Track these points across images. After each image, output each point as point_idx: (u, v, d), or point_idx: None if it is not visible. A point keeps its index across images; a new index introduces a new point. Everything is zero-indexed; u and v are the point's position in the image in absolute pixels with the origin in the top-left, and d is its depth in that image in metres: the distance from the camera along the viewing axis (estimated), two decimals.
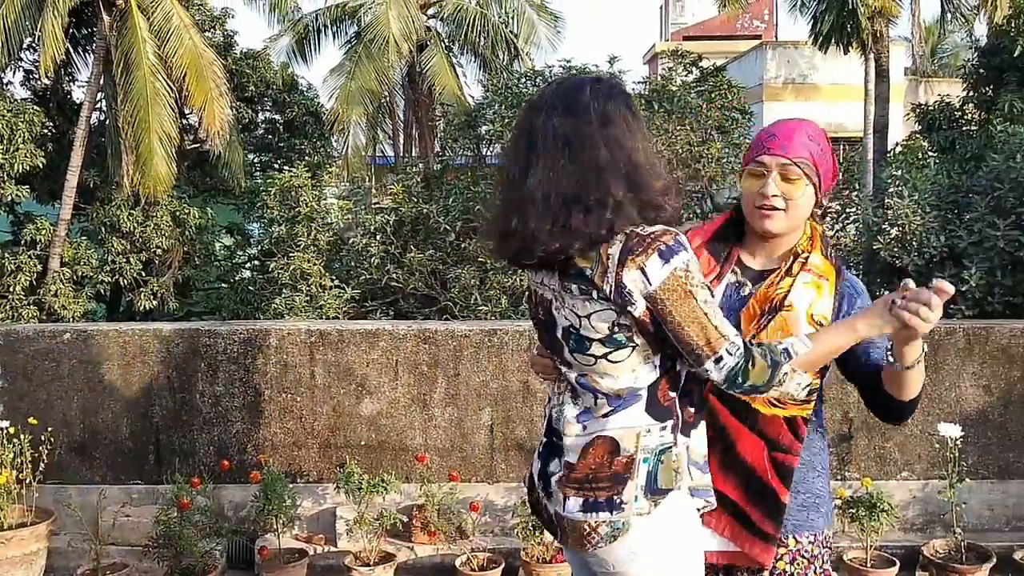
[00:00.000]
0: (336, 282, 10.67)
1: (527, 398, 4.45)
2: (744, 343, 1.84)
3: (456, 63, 18.70)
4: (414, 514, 4.30)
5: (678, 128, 11.94)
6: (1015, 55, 12.90)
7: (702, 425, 1.99)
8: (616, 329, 1.85)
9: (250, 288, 12.93)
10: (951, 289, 1.87)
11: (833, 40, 15.20)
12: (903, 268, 8.92)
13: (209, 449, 4.47)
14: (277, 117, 17.22)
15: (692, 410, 1.96)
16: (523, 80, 13.93)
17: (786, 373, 1.85)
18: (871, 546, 4.08)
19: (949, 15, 16.81)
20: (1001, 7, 14.38)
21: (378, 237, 11.17)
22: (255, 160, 17.23)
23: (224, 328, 4.49)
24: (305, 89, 17.92)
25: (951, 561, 4.06)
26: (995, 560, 4.04)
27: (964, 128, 14.05)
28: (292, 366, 4.44)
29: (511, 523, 4.35)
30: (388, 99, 18.79)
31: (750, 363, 1.82)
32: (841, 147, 17.93)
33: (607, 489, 1.90)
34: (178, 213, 13.48)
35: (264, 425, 4.45)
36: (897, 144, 14.52)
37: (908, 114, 15.77)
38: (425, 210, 12.37)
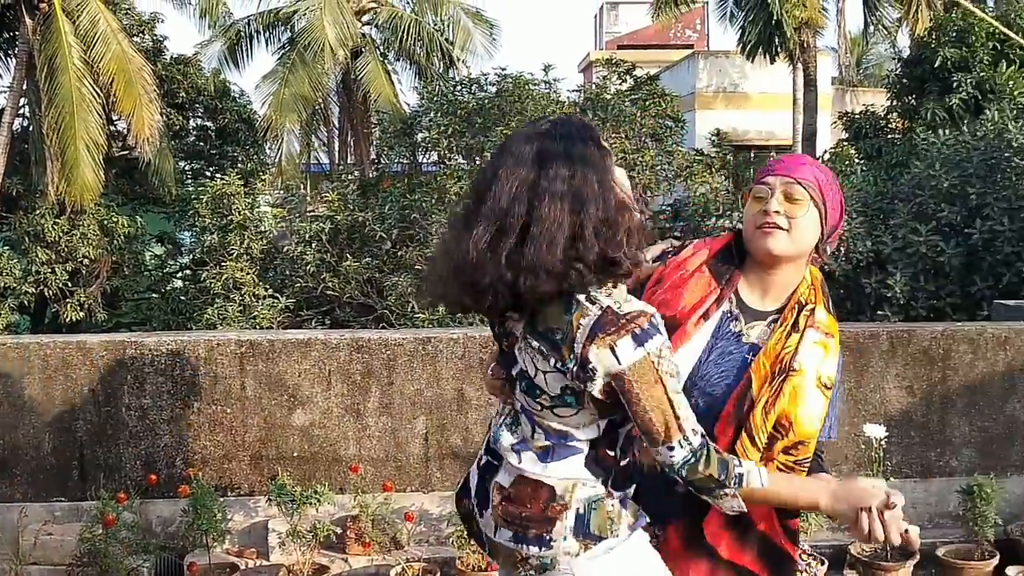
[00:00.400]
0: (270, 291, 10.53)
1: (462, 406, 4.44)
2: (705, 442, 1.82)
3: (391, 70, 18.64)
4: (348, 525, 4.25)
5: (612, 136, 12.05)
6: (936, 66, 13.31)
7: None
8: (567, 392, 1.84)
9: (182, 298, 12.67)
10: (916, 545, 1.87)
11: (761, 50, 15.54)
12: (831, 273, 9.14)
13: (136, 464, 4.36)
14: (209, 124, 16.95)
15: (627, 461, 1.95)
16: (459, 87, 13.93)
17: (727, 494, 1.83)
18: (801, 545, 4.16)
19: (872, 27, 17.31)
20: (922, 20, 14.85)
21: (313, 245, 11.05)
22: (186, 167, 16.92)
23: (151, 339, 4.40)
24: (237, 96, 17.66)
25: (877, 559, 4.15)
26: (919, 557, 4.15)
27: (889, 136, 14.47)
28: (222, 377, 4.36)
29: (446, 532, 4.33)
30: (323, 106, 18.65)
31: (700, 463, 1.80)
32: (772, 155, 18.31)
33: (537, 527, 1.91)
34: (106, 222, 13.16)
35: (193, 438, 4.36)
36: (825, 152, 14.88)
37: (835, 122, 16.18)
38: (361, 218, 12.27)
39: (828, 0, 16.79)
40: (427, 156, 14.43)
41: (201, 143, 16.88)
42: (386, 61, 18.58)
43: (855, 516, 1.81)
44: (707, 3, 21.51)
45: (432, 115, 13.23)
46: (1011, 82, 12.12)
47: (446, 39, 18.41)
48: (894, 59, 17.13)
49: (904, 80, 14.47)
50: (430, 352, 4.44)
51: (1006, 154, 8.52)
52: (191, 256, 14.51)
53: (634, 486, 1.97)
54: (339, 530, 4.22)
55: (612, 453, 1.92)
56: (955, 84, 12.98)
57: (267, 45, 18.96)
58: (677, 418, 1.80)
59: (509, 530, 1.93)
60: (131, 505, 4.04)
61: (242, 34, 18.70)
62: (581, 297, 1.79)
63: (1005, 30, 6.08)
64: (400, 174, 14.51)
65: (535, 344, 1.83)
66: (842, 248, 9.09)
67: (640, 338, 1.76)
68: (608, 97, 13.44)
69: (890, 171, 10.87)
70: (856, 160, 12.15)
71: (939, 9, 15.93)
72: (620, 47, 25.17)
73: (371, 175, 16.22)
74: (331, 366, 4.41)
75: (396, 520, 4.27)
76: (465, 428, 4.44)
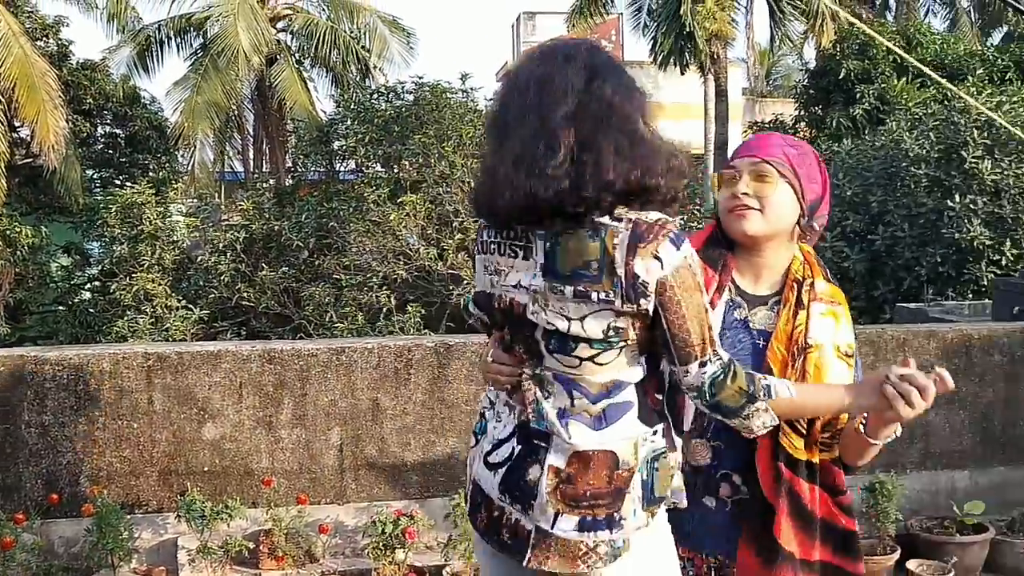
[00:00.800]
0: (183, 303, 10.29)
1: (377, 416, 4.41)
2: (731, 359, 1.76)
3: (307, 78, 18.44)
4: (261, 540, 4.18)
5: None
6: (840, 77, 13.79)
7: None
8: (611, 332, 1.71)
9: (90, 310, 12.29)
10: (951, 384, 1.77)
11: (672, 60, 15.86)
12: None
13: (36, 483, 4.21)
14: (118, 131, 16.49)
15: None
16: (376, 96, 13.86)
17: (757, 409, 1.75)
18: None
19: (779, 40, 17.83)
20: (827, 33, 15.35)
21: (228, 255, 10.85)
22: (94, 176, 16.43)
23: (53, 353, 4.25)
24: (148, 102, 17.21)
25: None
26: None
27: None
28: (128, 391, 4.24)
29: (362, 544, 4.29)
30: (237, 113, 18.34)
31: (728, 378, 1.73)
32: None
33: (607, 506, 1.73)
34: (8, 232, 12.67)
35: (98, 454, 4.23)
36: None
37: (746, 131, 16.61)
38: (277, 227, 12.10)
39: (738, 12, 17.22)
40: (344, 164, 14.32)
41: (110, 151, 16.41)
42: (302, 68, 18.37)
43: (880, 394, 1.77)
44: (622, 14, 21.86)
45: (349, 123, 13.15)
46: (905, 94, 12.63)
47: (363, 47, 18.29)
48: (801, 70, 17.67)
49: (811, 91, 14.95)
50: (344, 362, 4.40)
51: (904, 163, 8.86)
52: (100, 267, 14.08)
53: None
54: (252, 545, 4.15)
55: (660, 397, 1.80)
56: (858, 95, 13.47)
57: (179, 51, 18.55)
58: (710, 329, 1.72)
59: (574, 516, 1.73)
60: (31, 526, 3.90)
61: (152, 39, 18.26)
62: (605, 219, 1.68)
63: (896, 49, 6.36)
64: (317, 182, 14.37)
65: (566, 290, 1.69)
66: None
67: (676, 241, 1.68)
68: None
69: None
70: None
71: (843, 23, 16.50)
72: None
73: (287, 183, 15.99)
74: (242, 378, 4.34)
75: (310, 533, 4.22)
76: (380, 438, 4.41)
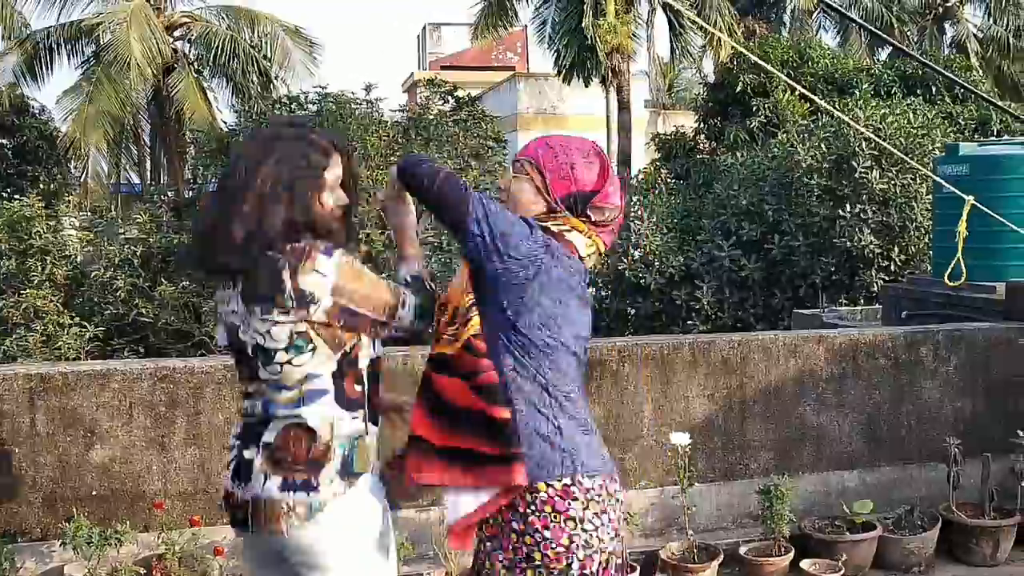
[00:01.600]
0: (77, 320, 9.91)
1: None
2: (406, 289, 2.26)
3: (207, 87, 18.00)
4: (153, 565, 4.03)
5: (436, 156, 12.15)
6: (737, 91, 14.19)
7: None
8: (296, 337, 2.13)
9: None
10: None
11: (575, 73, 16.07)
12: (647, 287, 9.54)
13: None
14: (4, 141, 15.85)
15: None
16: (277, 106, 13.65)
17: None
18: None
19: (678, 53, 18.24)
20: (725, 47, 15.77)
21: (125, 269, 10.52)
22: None
23: None
24: (37, 112, 16.60)
25: (685, 562, 4.34)
26: (723, 557, 4.37)
27: (697, 156, 15.27)
28: (8, 414, 4.05)
29: None
30: (132, 123, 17.80)
31: (424, 298, 2.27)
32: None
33: (305, 472, 2.12)
34: None
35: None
36: (639, 171, 15.53)
37: (648, 143, 16.93)
38: (176, 240, 11.77)
39: (639, 27, 17.56)
40: None
41: None
42: (201, 78, 17.93)
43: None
44: (527, 26, 22.05)
45: (251, 134, 12.90)
46: (793, 107, 13.08)
47: (264, 56, 17.97)
48: (701, 84, 18.10)
49: (710, 103, 15.35)
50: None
51: (797, 173, 9.16)
52: None
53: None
54: (143, 571, 4.00)
55: (359, 388, 2.21)
56: (755, 108, 13.88)
57: (69, 58, 17.86)
58: (391, 285, 2.24)
59: (278, 478, 2.12)
60: None
61: (41, 46, 17.54)
62: (270, 254, 2.13)
63: (774, 71, 6.59)
64: None
65: (257, 310, 2.13)
66: (655, 263, 9.52)
67: (327, 252, 2.14)
68: (431, 117, 13.53)
69: (697, 190, 11.48)
70: (667, 179, 12.74)
71: (739, 37, 16.99)
72: (443, 68, 25.39)
73: (186, 195, 15.59)
74: (132, 398, 4.19)
75: (206, 555, 4.10)
76: None
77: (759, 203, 9.31)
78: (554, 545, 2.08)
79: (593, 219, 2.21)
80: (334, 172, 2.29)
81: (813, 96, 6.19)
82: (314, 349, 2.14)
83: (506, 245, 2.08)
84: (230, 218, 2.14)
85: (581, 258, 2.23)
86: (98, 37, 16.74)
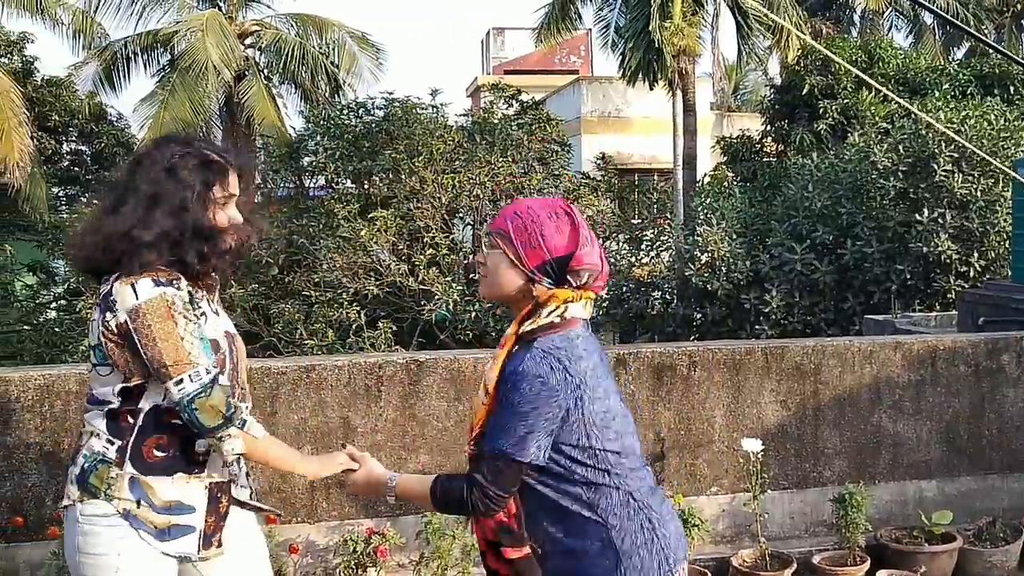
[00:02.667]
0: None
1: (348, 434, 4.38)
2: (215, 379, 2.17)
3: (276, 94, 18.34)
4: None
5: (501, 160, 12.20)
6: (804, 93, 13.97)
7: (176, 478, 2.27)
8: (99, 341, 2.22)
9: (56, 329, 12.14)
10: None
11: (641, 76, 15.97)
12: (714, 292, 9.44)
13: (1, 506, 4.13)
14: (84, 148, 16.36)
15: (162, 454, 2.25)
16: (345, 112, 13.85)
17: (230, 434, 2.21)
18: None
19: (745, 55, 18.01)
20: (791, 49, 15.54)
21: None
22: (60, 193, 16.26)
23: (17, 374, 4.18)
24: (115, 119, 17.10)
25: (757, 569, 4.28)
26: (796, 565, 4.30)
27: (764, 159, 15.08)
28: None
29: (334, 563, 4.26)
30: (205, 130, 18.17)
31: (207, 396, 2.15)
32: (654, 178, 18.80)
33: (71, 468, 2.32)
34: None
35: (64, 477, 4.15)
36: (705, 175, 15.39)
37: (714, 146, 16.76)
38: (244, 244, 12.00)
39: (704, 29, 17.40)
40: (314, 180, 14.26)
41: (76, 168, 16.27)
42: (270, 84, 18.28)
43: (333, 465, 2.39)
44: (590, 30, 22.00)
45: (319, 139, 13.12)
46: (872, 108, 12.80)
47: (332, 63, 18.24)
48: (767, 86, 17.87)
49: (776, 106, 15.15)
50: (314, 380, 4.37)
51: (872, 175, 8.98)
52: (66, 285, 13.92)
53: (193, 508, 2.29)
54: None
55: (133, 421, 2.24)
56: (822, 110, 13.65)
57: (145, 67, 18.37)
58: (189, 354, 2.14)
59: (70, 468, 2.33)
60: None
61: (119, 56, 18.07)
62: (133, 259, 2.19)
63: (849, 66, 6.46)
64: (286, 199, 14.29)
65: (98, 307, 2.24)
66: (722, 267, 9.41)
67: (159, 283, 2.17)
68: (495, 121, 13.59)
69: (765, 193, 11.33)
70: (733, 182, 12.60)
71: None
72: (507, 72, 25.47)
73: (256, 200, 15.90)
74: None
75: (281, 553, 4.17)
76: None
77: (833, 206, 9.15)
78: None
79: (575, 284, 2.16)
80: (228, 190, 2.31)
81: (894, 95, 6.04)
82: (113, 366, 2.22)
83: (554, 421, 2.08)
84: (107, 218, 2.23)
85: (583, 320, 2.21)
86: (173, 46, 17.18)
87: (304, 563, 4.28)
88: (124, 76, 18.17)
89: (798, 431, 4.75)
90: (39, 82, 15.54)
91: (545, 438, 2.07)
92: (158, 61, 18.28)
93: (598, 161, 18.31)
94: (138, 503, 2.24)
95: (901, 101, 6.20)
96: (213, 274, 2.34)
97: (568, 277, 2.15)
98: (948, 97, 10.96)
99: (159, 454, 2.26)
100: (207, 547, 2.32)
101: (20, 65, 15.27)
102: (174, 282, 2.19)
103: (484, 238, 2.30)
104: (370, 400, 4.39)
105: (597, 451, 2.10)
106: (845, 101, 13.50)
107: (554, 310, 2.14)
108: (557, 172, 13.07)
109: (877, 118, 12.26)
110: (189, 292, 2.25)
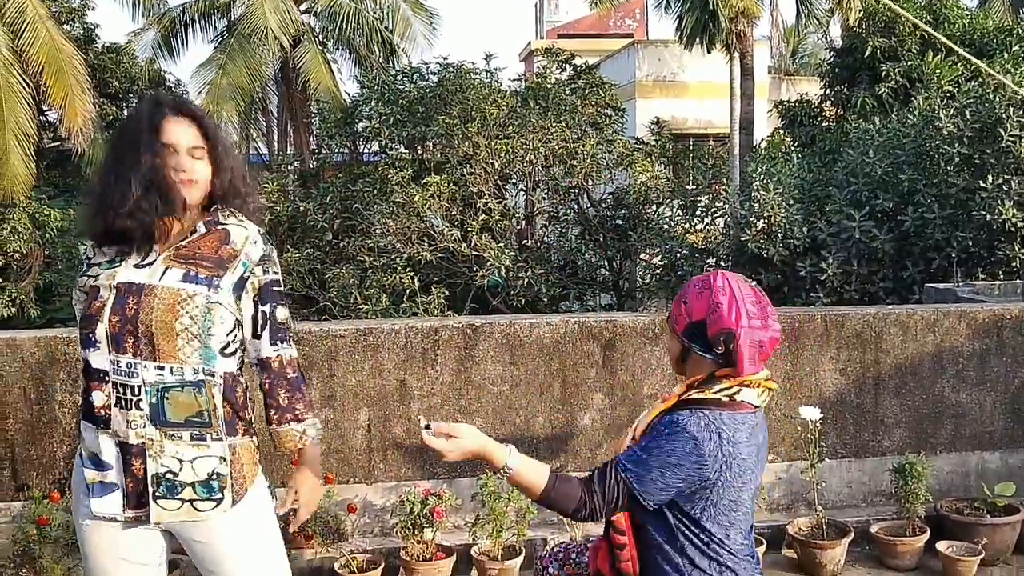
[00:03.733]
0: None
1: (404, 397, 4.43)
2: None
3: (331, 59, 18.41)
4: (290, 518, 4.20)
5: (554, 125, 12.11)
6: (866, 55, 13.60)
7: (104, 437, 2.23)
8: None
9: None
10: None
11: (697, 39, 15.69)
12: (769, 259, 9.31)
13: (70, 462, 4.27)
14: None
15: (99, 404, 2.23)
16: (400, 77, 13.85)
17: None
18: None
19: (804, 17, 17.58)
20: (853, 10, 15.12)
21: None
22: None
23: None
24: (173, 85, 17.32)
25: (813, 538, 4.26)
26: (853, 534, 4.27)
27: (823, 124, 14.74)
28: None
29: (390, 523, 4.33)
30: (261, 95, 18.36)
31: None
32: (710, 143, 18.53)
33: None
34: (37, 215, 12.82)
35: None
36: (762, 140, 15.11)
37: (771, 111, 16.44)
38: (302, 208, 12.14)
39: None
40: (368, 146, 14.32)
41: None
42: (326, 50, 18.35)
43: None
44: None
45: (373, 104, 13.15)
46: (938, 71, 12.42)
47: (386, 28, 18.24)
48: (827, 49, 17.44)
49: (836, 69, 14.76)
50: (371, 343, 4.42)
51: (936, 141, 8.73)
52: None
53: None
54: (281, 524, 4.17)
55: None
56: (884, 73, 13.28)
57: (203, 33, 18.58)
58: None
59: None
60: (64, 504, 3.95)
61: (177, 22, 18.29)
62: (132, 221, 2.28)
63: (921, 25, 6.25)
64: (341, 164, 14.39)
65: None
66: (779, 234, 9.26)
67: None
68: (549, 86, 13.48)
69: (824, 158, 11.08)
70: (791, 148, 12.35)
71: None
72: (560, 36, 25.22)
73: (312, 165, 16.03)
74: None
75: (339, 512, 4.25)
76: (408, 419, 4.43)
77: (894, 172, 8.93)
78: None
79: (719, 351, 2.17)
80: (173, 135, 2.23)
81: (965, 53, 5.83)
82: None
83: (691, 485, 2.14)
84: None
85: (755, 407, 2.22)
86: (231, 12, 17.31)
87: (361, 522, 4.36)
88: (182, 42, 18.42)
89: (857, 400, 4.68)
90: (100, 49, 15.77)
91: (669, 491, 2.13)
92: (215, 27, 18.47)
93: (652, 126, 18.09)
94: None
95: (972, 59, 5.98)
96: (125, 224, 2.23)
97: (714, 346, 2.19)
98: (1018, 59, 10.58)
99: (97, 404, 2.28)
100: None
101: (82, 32, 15.51)
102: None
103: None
104: (426, 364, 4.43)
105: (704, 527, 2.17)
106: (909, 64, 13.11)
107: (726, 388, 2.18)
108: (611, 137, 12.95)
109: (942, 81, 11.90)
110: (92, 246, 2.33)
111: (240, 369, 2.37)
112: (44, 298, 13.24)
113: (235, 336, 2.32)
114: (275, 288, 2.38)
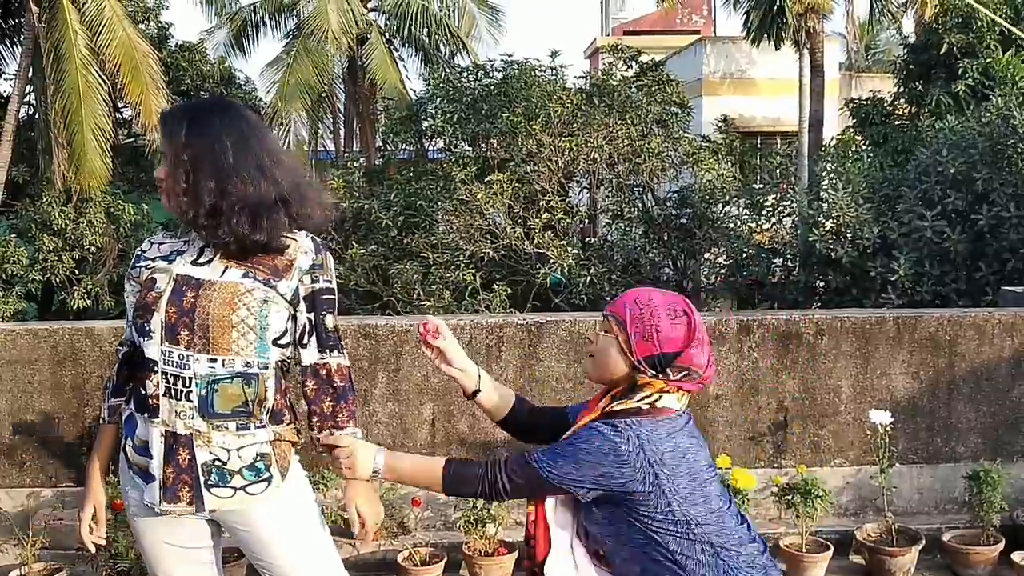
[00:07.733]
0: None
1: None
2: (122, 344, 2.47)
3: (397, 57, 18.57)
4: (358, 536, 4.25)
5: (619, 123, 12.05)
6: (942, 52, 13.24)
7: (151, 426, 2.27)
8: None
9: None
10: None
11: (765, 35, 15.44)
12: (838, 259, 9.14)
13: None
14: None
15: (149, 394, 2.27)
16: (465, 74, 13.92)
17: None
18: (806, 532, 4.17)
19: (878, 12, 17.18)
20: (929, 5, 14.74)
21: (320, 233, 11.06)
22: None
23: None
24: (243, 83, 17.67)
25: (883, 544, 4.17)
26: (924, 542, 4.17)
27: (895, 122, 14.40)
28: None
29: (453, 517, 4.36)
30: (328, 93, 18.60)
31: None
32: (777, 141, 18.24)
33: None
34: (112, 209, 13.20)
35: None
36: (832, 138, 14.83)
37: (842, 108, 16.11)
38: (367, 205, 12.28)
39: None
40: (433, 143, 14.42)
41: None
42: (392, 48, 18.52)
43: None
44: None
45: (438, 102, 13.23)
46: (1011, 68, 12.03)
47: (453, 25, 18.33)
48: (901, 45, 17.04)
49: (911, 66, 14.41)
50: None
51: (1011, 140, 8.48)
52: None
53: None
54: (344, 515, 4.24)
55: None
56: (961, 70, 12.92)
57: (273, 32, 18.94)
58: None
59: None
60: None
61: (247, 22, 18.64)
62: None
63: (1000, 21, 6.04)
64: (406, 161, 14.51)
65: None
66: (848, 234, 9.08)
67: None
68: (614, 83, 13.42)
69: (896, 157, 10.84)
70: (862, 146, 12.10)
71: None
72: (626, 33, 25.06)
73: (377, 162, 16.20)
74: None
75: (403, 505, 4.30)
76: (472, 414, 4.45)
77: (968, 171, 8.68)
78: None
79: (672, 377, 2.13)
80: (163, 141, 2.34)
81: None
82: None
83: (610, 480, 2.09)
84: None
85: (676, 411, 2.18)
86: (299, 11, 17.59)
87: (424, 516, 4.40)
88: (252, 41, 18.77)
89: (930, 405, 4.57)
90: (173, 47, 16.16)
91: (588, 485, 2.10)
92: (284, 26, 18.79)
93: (719, 124, 17.87)
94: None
95: None
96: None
97: (669, 370, 2.14)
98: None
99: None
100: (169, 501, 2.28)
101: (156, 31, 15.91)
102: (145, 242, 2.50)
103: (600, 319, 2.25)
104: (490, 360, 4.44)
105: (679, 515, 2.12)
106: (987, 60, 12.73)
107: (647, 396, 2.15)
108: (676, 135, 12.83)
109: (1017, 78, 11.53)
110: (141, 250, 2.45)
111: (290, 360, 2.41)
112: (117, 290, 13.62)
113: (289, 328, 2.35)
114: (325, 296, 2.38)
